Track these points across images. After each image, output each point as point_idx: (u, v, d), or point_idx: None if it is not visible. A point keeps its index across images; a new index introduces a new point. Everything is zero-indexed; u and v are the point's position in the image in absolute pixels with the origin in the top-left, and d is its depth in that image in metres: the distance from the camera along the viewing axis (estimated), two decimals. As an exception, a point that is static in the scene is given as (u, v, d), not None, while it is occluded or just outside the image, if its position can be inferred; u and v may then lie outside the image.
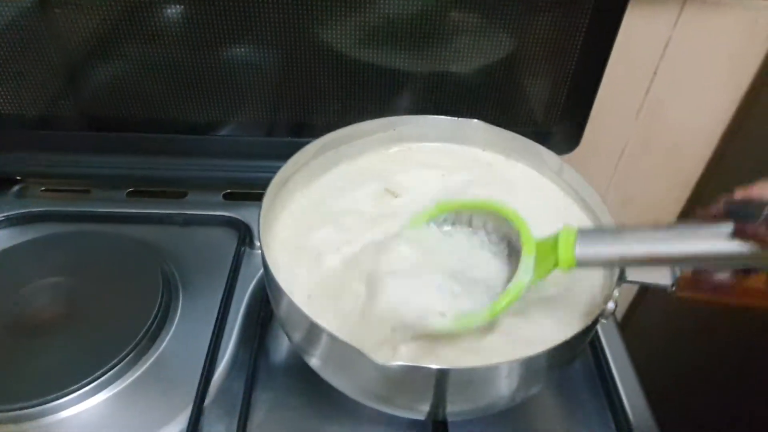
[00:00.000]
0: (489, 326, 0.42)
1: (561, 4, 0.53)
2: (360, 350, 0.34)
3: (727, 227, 0.33)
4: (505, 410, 0.47)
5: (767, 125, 0.72)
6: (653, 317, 0.88)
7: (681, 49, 0.70)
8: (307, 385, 0.50)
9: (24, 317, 0.53)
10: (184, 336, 0.54)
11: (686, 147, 0.79)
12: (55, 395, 0.47)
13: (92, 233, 0.63)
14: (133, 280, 0.57)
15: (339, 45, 0.61)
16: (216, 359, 0.52)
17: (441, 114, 0.56)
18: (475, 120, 0.55)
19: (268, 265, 0.40)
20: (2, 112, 0.64)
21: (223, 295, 0.56)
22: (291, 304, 0.38)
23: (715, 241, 0.33)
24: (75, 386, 0.47)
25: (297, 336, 0.42)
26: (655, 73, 0.72)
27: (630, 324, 0.89)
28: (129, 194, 0.70)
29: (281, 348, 0.55)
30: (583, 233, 0.38)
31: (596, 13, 0.58)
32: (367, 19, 0.59)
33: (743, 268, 0.36)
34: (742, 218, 0.32)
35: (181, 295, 0.57)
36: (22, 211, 0.66)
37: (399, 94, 0.64)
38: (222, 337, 0.53)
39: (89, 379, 0.48)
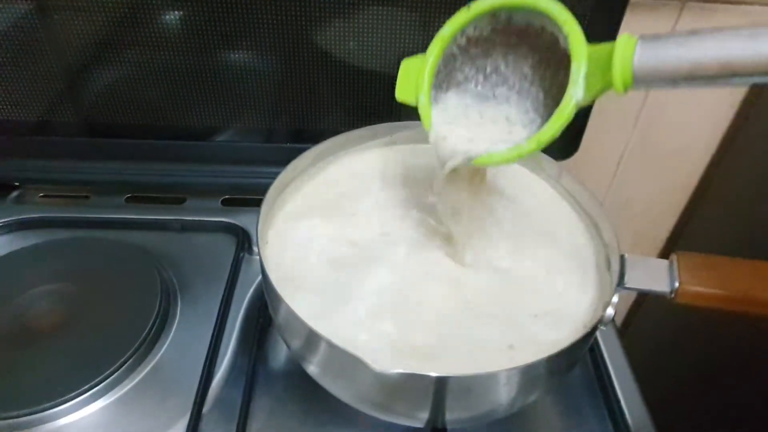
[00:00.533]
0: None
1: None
2: (359, 358, 0.34)
3: None
4: (504, 417, 0.47)
5: (766, 129, 0.72)
6: (652, 323, 0.88)
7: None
8: (306, 391, 0.50)
9: (22, 324, 0.52)
10: (183, 342, 0.54)
11: (685, 151, 0.79)
12: (52, 403, 0.46)
13: (90, 239, 0.63)
14: (131, 286, 0.56)
15: (338, 51, 0.61)
16: (214, 365, 0.51)
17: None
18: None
19: (266, 272, 0.40)
20: (0, 117, 0.64)
21: (222, 301, 0.56)
22: (289, 311, 0.37)
23: None
24: (73, 394, 0.47)
25: (295, 343, 0.41)
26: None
27: (629, 330, 0.89)
28: (127, 200, 0.70)
29: (280, 354, 0.54)
30: (646, 40, 0.31)
31: (595, 16, 0.58)
32: (366, 25, 0.59)
33: None
34: None
35: (179, 302, 0.57)
36: (21, 217, 0.66)
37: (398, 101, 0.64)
38: (221, 343, 0.53)
39: (87, 386, 0.48)
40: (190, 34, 0.59)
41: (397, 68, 0.58)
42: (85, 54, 0.61)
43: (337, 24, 0.59)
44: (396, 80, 0.43)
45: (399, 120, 0.56)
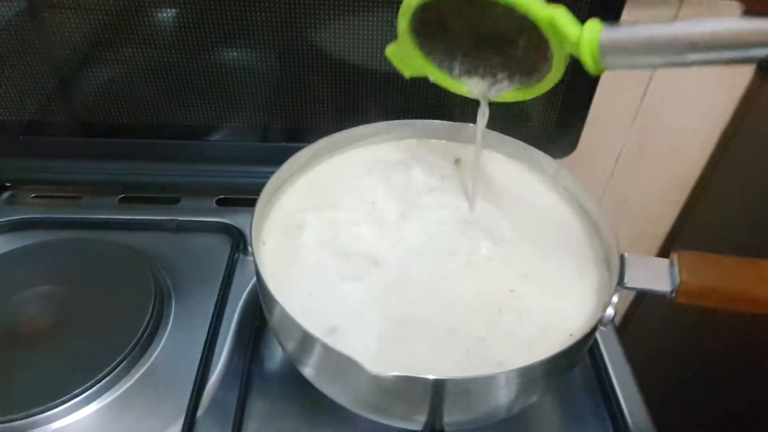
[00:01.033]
0: None
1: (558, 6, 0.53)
2: (354, 360, 0.34)
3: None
4: (503, 418, 0.47)
5: (764, 128, 0.72)
6: (651, 322, 0.87)
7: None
8: (302, 393, 0.50)
9: (13, 327, 0.52)
10: (177, 344, 0.53)
11: (683, 150, 0.79)
12: (44, 406, 0.46)
13: (83, 240, 0.62)
14: (124, 287, 0.56)
15: (334, 49, 0.60)
16: (209, 368, 0.51)
17: (437, 118, 0.56)
18: (471, 124, 0.55)
19: (261, 273, 0.40)
20: (-8, 117, 0.64)
21: (217, 302, 0.55)
22: (284, 313, 0.37)
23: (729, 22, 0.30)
24: (65, 397, 0.46)
25: (290, 345, 0.41)
26: (651, 77, 0.72)
27: (627, 329, 0.89)
28: (121, 200, 0.69)
29: (275, 356, 0.54)
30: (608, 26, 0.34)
31: (593, 14, 0.57)
32: (362, 24, 0.58)
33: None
34: None
35: (173, 303, 0.56)
36: (12, 218, 0.65)
37: (394, 98, 0.64)
38: (215, 345, 0.53)
39: (80, 389, 0.47)
40: (184, 32, 0.58)
41: (392, 66, 0.58)
42: (77, 52, 0.60)
43: (332, 22, 0.58)
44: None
45: (395, 118, 0.55)
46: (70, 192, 0.69)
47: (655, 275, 0.40)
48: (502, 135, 0.54)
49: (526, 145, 0.53)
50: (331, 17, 0.58)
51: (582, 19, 0.35)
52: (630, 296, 0.92)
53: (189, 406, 0.47)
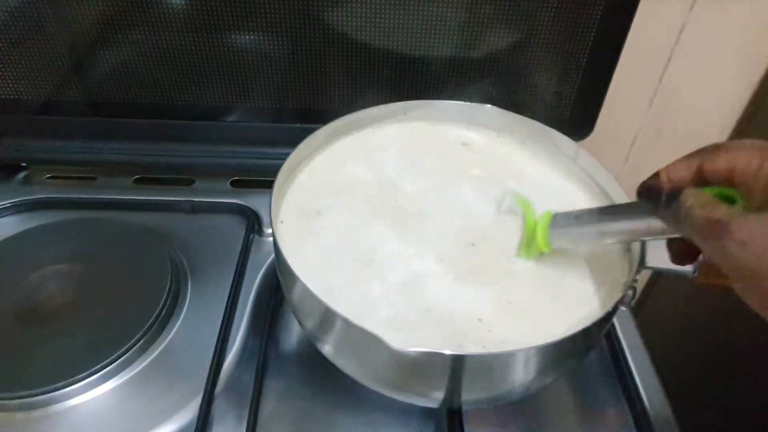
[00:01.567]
0: None
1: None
2: (376, 335, 0.34)
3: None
4: (519, 401, 0.47)
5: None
6: (666, 304, 0.87)
7: (695, 36, 0.69)
8: (318, 373, 0.50)
9: (32, 304, 0.52)
10: (193, 324, 0.53)
11: (699, 135, 0.78)
12: (63, 383, 0.46)
13: (100, 220, 0.62)
14: (141, 267, 0.56)
15: (348, 30, 0.60)
16: (226, 347, 0.51)
17: (452, 99, 0.55)
18: (488, 105, 0.54)
19: (281, 250, 0.39)
20: (7, 97, 0.64)
21: (233, 282, 0.56)
22: (305, 289, 0.37)
23: (639, 219, 0.37)
24: (83, 374, 0.47)
25: (310, 322, 0.41)
26: (669, 60, 0.71)
27: (643, 311, 0.89)
28: (135, 181, 0.69)
29: (291, 336, 0.54)
30: (554, 218, 0.43)
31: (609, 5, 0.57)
32: (377, 3, 0.58)
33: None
34: (652, 200, 0.35)
35: (189, 283, 0.56)
36: (28, 198, 0.65)
37: (408, 79, 0.63)
38: (231, 324, 0.53)
39: (98, 366, 0.47)
40: (199, 12, 0.58)
41: (407, 46, 0.58)
42: (92, 33, 0.60)
43: (346, 2, 0.58)
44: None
45: (410, 98, 0.55)
46: (86, 172, 0.70)
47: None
48: (519, 116, 0.53)
49: (544, 126, 0.53)
50: (346, -3, 0.57)
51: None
52: (644, 281, 0.91)
53: (207, 385, 0.47)
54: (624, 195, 0.46)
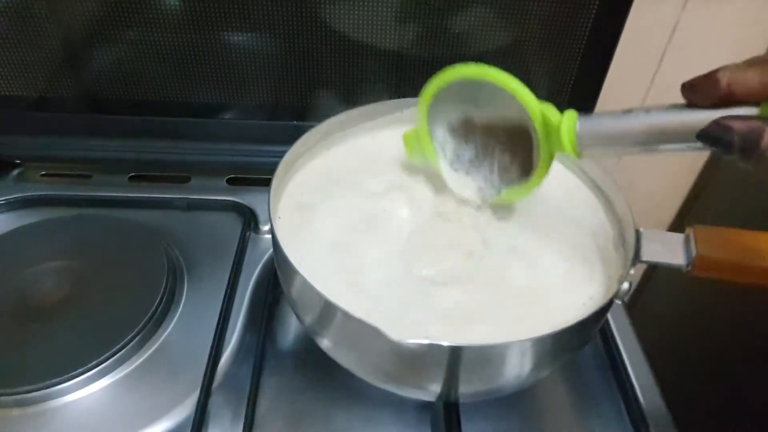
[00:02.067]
0: None
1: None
2: (376, 327, 0.34)
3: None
4: (514, 395, 0.47)
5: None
6: (660, 299, 0.88)
7: (688, 35, 0.70)
8: (315, 369, 0.50)
9: (27, 301, 0.52)
10: (190, 321, 0.53)
11: (691, 133, 0.79)
12: (59, 379, 0.46)
13: (95, 217, 0.62)
14: (137, 264, 0.56)
15: (344, 27, 0.60)
16: (222, 344, 0.51)
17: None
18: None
19: (280, 245, 0.40)
20: (1, 93, 0.63)
21: (229, 279, 0.56)
22: (304, 282, 0.37)
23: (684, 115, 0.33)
24: (79, 370, 0.47)
25: (309, 316, 0.41)
26: (662, 58, 0.72)
27: (636, 306, 0.89)
28: (131, 179, 0.69)
29: (288, 333, 0.54)
30: (583, 116, 0.39)
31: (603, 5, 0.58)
32: (371, 1, 0.58)
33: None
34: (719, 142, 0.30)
35: (186, 280, 0.56)
36: (22, 195, 0.65)
37: (404, 76, 0.64)
38: (228, 321, 0.53)
39: (94, 363, 0.47)
40: (194, 9, 0.58)
41: (402, 42, 0.58)
42: (87, 29, 0.60)
43: (341, 0, 0.58)
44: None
45: (407, 96, 0.55)
46: (80, 170, 0.69)
47: (671, 249, 0.40)
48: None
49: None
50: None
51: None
52: (638, 276, 0.92)
53: (204, 381, 0.47)
54: (617, 191, 0.47)
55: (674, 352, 0.79)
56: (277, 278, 0.55)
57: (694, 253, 0.39)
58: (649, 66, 0.73)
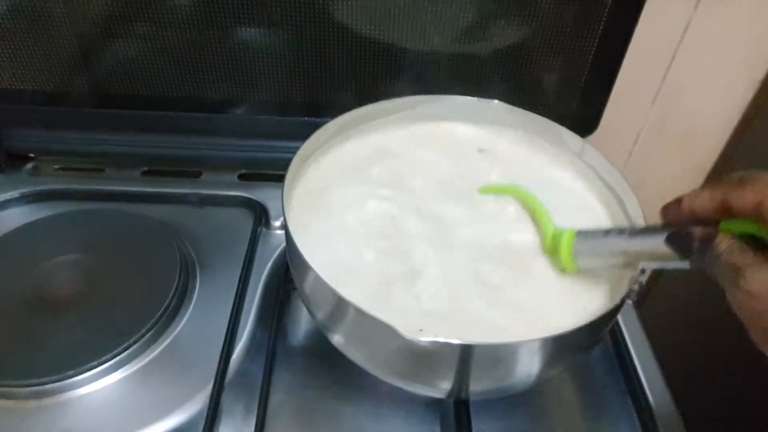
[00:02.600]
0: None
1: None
2: (389, 325, 0.34)
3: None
4: (523, 394, 0.47)
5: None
6: (668, 299, 0.88)
7: (700, 35, 0.70)
8: (326, 365, 0.50)
9: (42, 294, 0.52)
10: (202, 316, 0.53)
11: (702, 133, 0.79)
12: (73, 372, 0.46)
13: (108, 211, 0.63)
14: (150, 258, 0.56)
15: (356, 23, 0.60)
16: (235, 339, 0.51)
17: (459, 94, 0.56)
18: (496, 101, 0.55)
19: (294, 240, 0.40)
20: (16, 87, 0.64)
21: (241, 275, 0.56)
22: (317, 278, 0.37)
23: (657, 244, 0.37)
24: (94, 363, 0.47)
25: (321, 312, 0.41)
26: (672, 58, 0.72)
27: (645, 306, 0.89)
28: (143, 173, 0.69)
29: (299, 329, 0.54)
30: (578, 235, 0.42)
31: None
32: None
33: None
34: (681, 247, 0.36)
35: (198, 275, 0.57)
36: (36, 188, 0.65)
37: (415, 74, 0.64)
38: (240, 317, 0.53)
39: (108, 356, 0.48)
40: (206, 4, 0.58)
41: (414, 41, 0.57)
42: (101, 25, 0.61)
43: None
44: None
45: (419, 93, 0.55)
46: (93, 164, 0.70)
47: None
48: (526, 111, 0.54)
49: (551, 122, 0.53)
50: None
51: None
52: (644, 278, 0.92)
53: (216, 376, 0.48)
54: (629, 190, 0.47)
55: (683, 353, 0.79)
56: (288, 274, 0.55)
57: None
58: (660, 66, 0.73)
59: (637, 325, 0.55)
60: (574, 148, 0.53)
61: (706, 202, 0.34)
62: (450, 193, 0.50)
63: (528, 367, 0.39)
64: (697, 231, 0.34)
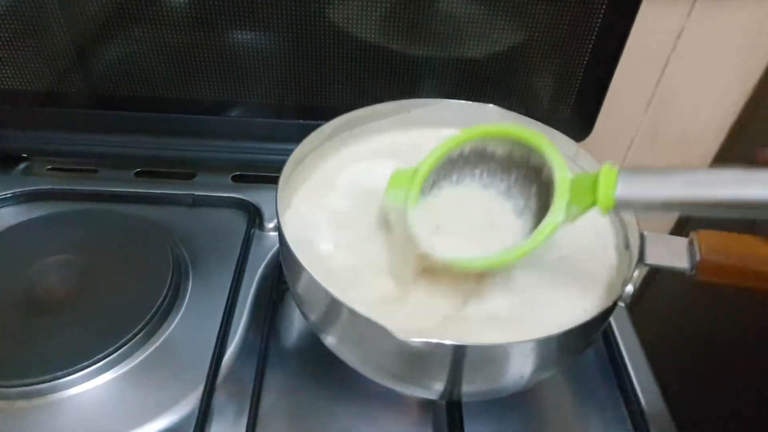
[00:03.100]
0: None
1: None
2: (381, 325, 0.34)
3: None
4: (516, 396, 0.47)
5: (776, 118, 0.72)
6: (662, 302, 0.88)
7: (693, 42, 0.70)
8: (319, 367, 0.50)
9: (33, 295, 0.52)
10: (194, 317, 0.53)
11: (695, 139, 0.79)
12: (64, 372, 0.46)
13: (101, 211, 0.62)
14: (142, 259, 0.56)
15: (350, 27, 0.60)
16: (227, 340, 0.51)
17: (453, 98, 0.56)
18: (491, 105, 0.55)
19: (287, 241, 0.40)
20: (9, 87, 0.64)
21: (234, 276, 0.56)
22: (311, 279, 0.37)
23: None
24: (84, 364, 0.47)
25: (314, 313, 0.41)
26: (666, 64, 0.72)
27: (638, 309, 0.89)
28: (137, 174, 0.69)
29: (292, 330, 0.54)
30: (625, 173, 0.36)
31: (613, 1, 0.58)
32: (379, 1, 0.58)
33: None
34: None
35: (191, 276, 0.57)
36: (28, 189, 0.65)
37: (410, 78, 0.64)
38: (232, 318, 0.53)
39: (99, 356, 0.47)
40: (201, 5, 0.58)
41: (409, 44, 0.57)
42: (95, 25, 0.61)
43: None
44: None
45: (414, 97, 0.55)
46: (86, 164, 0.70)
47: (675, 253, 0.41)
48: (520, 116, 0.54)
49: (545, 126, 0.53)
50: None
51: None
52: (640, 278, 0.92)
53: (208, 377, 0.47)
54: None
55: (676, 355, 0.79)
56: (281, 275, 0.55)
57: (698, 257, 0.39)
58: (653, 72, 0.73)
59: (629, 327, 0.56)
60: (568, 153, 0.53)
61: None
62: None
63: (520, 368, 0.39)
64: None
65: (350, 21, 0.60)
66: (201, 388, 0.47)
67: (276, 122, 0.67)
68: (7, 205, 0.64)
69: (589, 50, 0.61)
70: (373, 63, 0.63)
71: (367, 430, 0.47)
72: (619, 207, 0.36)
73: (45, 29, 0.60)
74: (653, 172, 0.36)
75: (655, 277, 0.89)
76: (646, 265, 0.41)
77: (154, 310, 0.51)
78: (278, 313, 0.55)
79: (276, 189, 0.44)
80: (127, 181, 0.68)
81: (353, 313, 0.35)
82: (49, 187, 0.66)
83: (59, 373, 0.46)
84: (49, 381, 0.46)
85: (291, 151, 0.47)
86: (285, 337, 0.54)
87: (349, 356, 0.42)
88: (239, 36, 0.61)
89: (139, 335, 0.50)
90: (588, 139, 0.67)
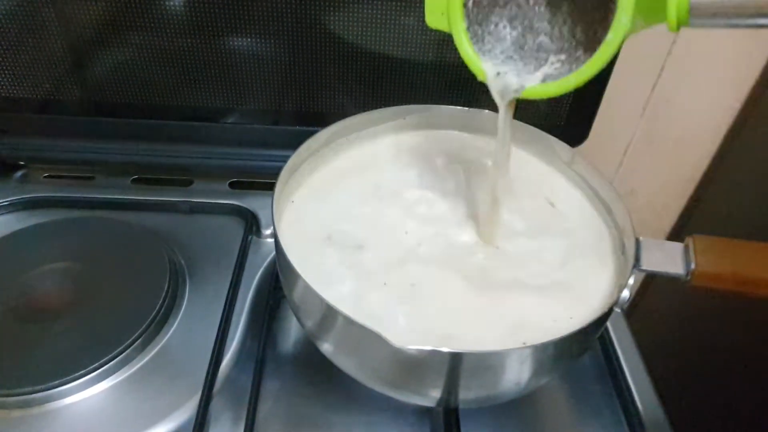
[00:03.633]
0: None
1: None
2: (377, 333, 0.34)
3: None
4: (514, 402, 0.47)
5: (773, 121, 0.72)
6: (658, 307, 0.88)
7: (688, 46, 0.71)
8: (316, 374, 0.50)
9: (30, 302, 0.52)
10: (191, 324, 0.53)
11: (691, 143, 0.79)
12: (60, 381, 0.46)
13: (98, 219, 0.62)
14: (139, 266, 0.56)
15: (347, 34, 0.60)
16: (224, 347, 0.51)
17: (450, 105, 0.56)
18: (486, 111, 0.55)
19: (283, 249, 0.40)
20: (6, 95, 0.64)
21: (231, 283, 0.56)
22: (306, 286, 0.37)
23: None
24: (81, 372, 0.47)
25: (310, 320, 0.41)
26: (662, 68, 0.73)
27: (635, 314, 0.89)
28: (133, 181, 0.69)
29: (289, 337, 0.54)
30: None
31: None
32: (375, 7, 0.59)
33: None
34: None
35: (188, 283, 0.57)
36: (25, 196, 0.65)
37: (405, 84, 0.64)
38: (229, 325, 0.53)
39: (96, 365, 0.47)
40: (198, 13, 0.59)
41: (405, 51, 0.57)
42: (92, 32, 0.61)
43: (345, 4, 0.58)
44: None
45: (410, 103, 0.56)
46: (83, 172, 0.70)
47: (670, 259, 0.41)
48: (517, 121, 0.54)
49: (541, 132, 0.54)
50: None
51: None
52: (637, 283, 0.92)
53: (205, 384, 0.47)
54: (618, 199, 0.47)
55: (673, 360, 0.79)
56: (278, 282, 0.55)
57: (693, 263, 0.39)
58: (649, 76, 0.74)
59: (626, 332, 0.56)
60: (564, 158, 0.53)
61: None
62: (441, 202, 0.50)
63: (517, 375, 0.39)
64: None
65: (346, 28, 0.60)
66: (198, 395, 0.47)
67: (273, 129, 0.67)
68: (4, 213, 0.64)
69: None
70: (369, 70, 0.63)
71: (364, 436, 0.46)
72: (692, 16, 0.32)
73: (42, 37, 0.60)
74: None
75: (653, 281, 0.89)
76: (641, 270, 0.41)
77: (151, 317, 0.51)
78: (275, 319, 0.55)
79: (272, 196, 0.44)
80: (124, 188, 0.68)
81: (348, 321, 0.35)
82: (46, 194, 0.66)
83: (56, 382, 0.46)
84: (46, 390, 0.46)
85: (288, 157, 0.48)
86: (282, 344, 0.54)
87: (345, 363, 0.42)
88: (236, 43, 0.62)
89: (136, 343, 0.50)
90: (585, 144, 0.67)
